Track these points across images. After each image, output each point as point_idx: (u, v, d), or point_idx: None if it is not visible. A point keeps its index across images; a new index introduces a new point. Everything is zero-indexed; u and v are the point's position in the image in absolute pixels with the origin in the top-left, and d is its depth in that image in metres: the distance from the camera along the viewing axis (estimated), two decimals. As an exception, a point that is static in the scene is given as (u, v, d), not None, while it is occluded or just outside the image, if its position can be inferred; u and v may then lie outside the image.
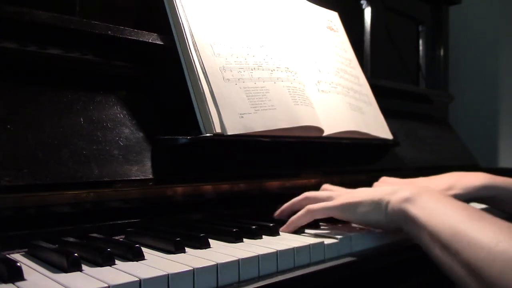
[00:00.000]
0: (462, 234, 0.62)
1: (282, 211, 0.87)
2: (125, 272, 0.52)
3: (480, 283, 0.58)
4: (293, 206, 0.85)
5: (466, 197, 0.96)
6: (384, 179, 1.04)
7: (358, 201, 0.77)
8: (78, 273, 0.53)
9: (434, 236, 0.65)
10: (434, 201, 0.70)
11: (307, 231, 0.78)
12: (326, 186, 0.93)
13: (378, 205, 0.75)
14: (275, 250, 0.63)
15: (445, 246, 0.63)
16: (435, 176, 1.04)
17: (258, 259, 0.61)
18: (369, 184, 1.03)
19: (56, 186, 0.69)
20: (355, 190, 0.83)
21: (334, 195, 0.81)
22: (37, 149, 0.69)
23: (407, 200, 0.71)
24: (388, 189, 0.76)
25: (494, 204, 0.98)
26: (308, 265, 0.66)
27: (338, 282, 0.69)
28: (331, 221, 0.85)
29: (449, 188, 0.96)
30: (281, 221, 0.80)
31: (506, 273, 0.55)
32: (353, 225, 0.85)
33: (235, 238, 0.69)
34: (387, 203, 0.73)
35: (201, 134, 0.80)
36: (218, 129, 0.81)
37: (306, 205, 0.81)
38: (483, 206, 1.08)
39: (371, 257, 0.75)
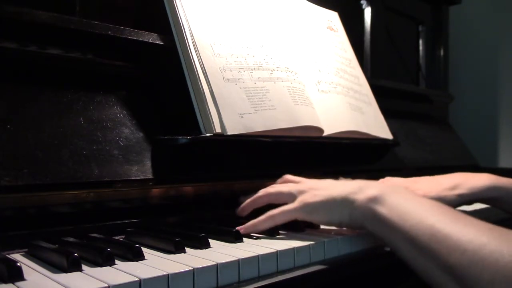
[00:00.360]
0: (441, 235, 0.58)
1: (243, 209, 0.81)
2: (125, 272, 0.52)
3: (465, 287, 0.55)
4: (255, 203, 0.80)
5: (471, 198, 0.96)
6: (388, 179, 1.03)
7: (320, 200, 0.72)
8: (78, 273, 0.53)
9: (409, 238, 0.61)
10: (406, 200, 0.66)
11: (307, 231, 0.78)
12: (288, 177, 0.85)
13: (341, 204, 0.70)
14: (275, 250, 0.63)
15: (422, 248, 0.59)
16: (439, 175, 1.04)
17: (258, 259, 0.60)
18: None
19: (56, 186, 0.69)
20: (319, 184, 0.76)
21: (296, 192, 0.75)
22: (37, 149, 0.69)
23: (375, 199, 0.67)
24: (354, 187, 0.70)
25: (498, 204, 0.98)
26: (308, 265, 0.66)
27: (338, 282, 0.69)
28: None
29: (454, 188, 0.96)
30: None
31: (497, 279, 0.52)
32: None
33: (235, 238, 0.69)
34: (352, 202, 0.69)
35: (201, 134, 0.80)
36: (218, 129, 0.81)
37: (268, 201, 0.78)
38: (485, 206, 1.08)
39: (371, 257, 0.75)
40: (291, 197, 0.75)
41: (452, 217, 0.61)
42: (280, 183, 0.84)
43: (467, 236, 0.56)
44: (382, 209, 0.66)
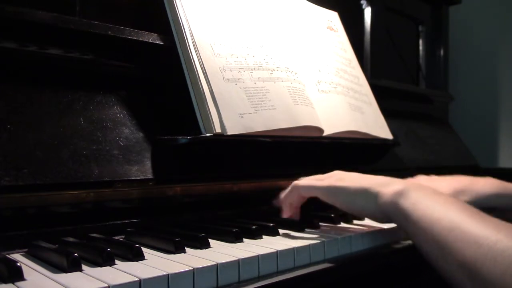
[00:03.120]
0: (458, 231, 0.60)
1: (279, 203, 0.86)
2: (125, 272, 0.52)
3: (478, 283, 0.56)
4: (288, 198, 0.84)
5: (476, 205, 0.93)
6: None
7: (345, 185, 0.76)
8: (78, 273, 0.53)
9: (429, 232, 0.63)
10: (428, 196, 0.68)
11: (307, 231, 0.78)
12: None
13: (365, 193, 0.73)
14: (275, 250, 0.63)
15: (440, 242, 0.61)
16: (441, 177, 0.99)
17: (258, 259, 0.60)
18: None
19: (56, 186, 0.69)
20: (346, 174, 0.81)
21: (324, 177, 0.81)
22: (37, 149, 0.69)
23: (400, 193, 0.69)
24: (380, 180, 0.74)
25: (507, 215, 0.92)
26: (308, 265, 0.66)
27: (338, 282, 0.69)
28: (331, 221, 0.85)
29: (457, 194, 0.92)
30: (280, 221, 0.81)
31: (508, 274, 0.53)
32: (354, 225, 0.85)
33: (235, 238, 0.69)
34: (378, 193, 0.72)
35: (201, 134, 0.80)
36: (218, 129, 0.81)
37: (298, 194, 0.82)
38: None
39: (371, 257, 0.75)
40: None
41: (470, 214, 0.63)
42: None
43: (484, 232, 0.58)
44: (406, 203, 0.68)
